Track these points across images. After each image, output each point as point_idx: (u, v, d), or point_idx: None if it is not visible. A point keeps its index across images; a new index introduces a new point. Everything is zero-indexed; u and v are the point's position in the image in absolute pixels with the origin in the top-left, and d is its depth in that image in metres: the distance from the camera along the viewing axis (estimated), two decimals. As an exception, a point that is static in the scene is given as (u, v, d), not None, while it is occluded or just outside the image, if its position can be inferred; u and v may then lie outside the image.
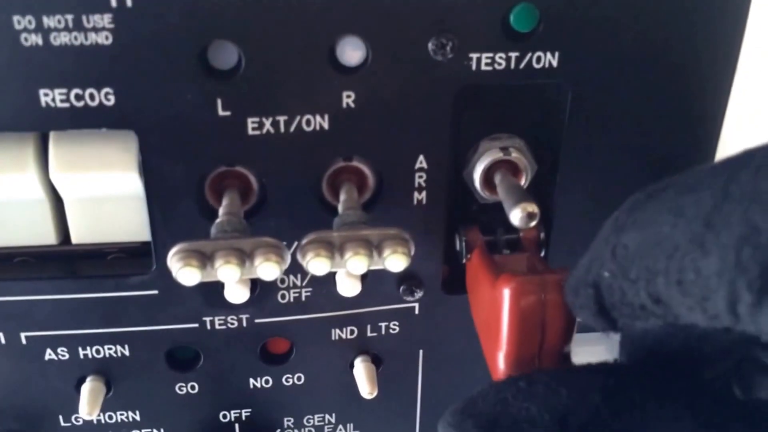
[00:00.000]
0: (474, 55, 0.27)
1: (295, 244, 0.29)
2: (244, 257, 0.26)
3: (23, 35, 0.24)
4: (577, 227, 0.31)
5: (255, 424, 0.35)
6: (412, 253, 0.27)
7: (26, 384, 0.32)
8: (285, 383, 0.34)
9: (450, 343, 0.34)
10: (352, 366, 0.34)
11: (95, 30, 0.24)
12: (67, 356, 0.31)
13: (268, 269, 0.26)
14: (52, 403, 0.33)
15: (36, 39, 0.24)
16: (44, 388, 0.32)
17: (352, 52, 0.27)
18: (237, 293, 0.28)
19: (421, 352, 0.34)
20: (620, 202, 0.31)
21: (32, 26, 0.24)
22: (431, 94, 0.28)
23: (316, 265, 0.26)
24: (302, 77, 0.27)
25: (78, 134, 0.27)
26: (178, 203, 0.28)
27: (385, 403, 0.36)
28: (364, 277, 0.31)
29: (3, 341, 0.30)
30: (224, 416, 0.35)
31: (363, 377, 0.33)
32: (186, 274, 0.26)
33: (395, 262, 0.27)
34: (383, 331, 0.33)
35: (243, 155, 0.28)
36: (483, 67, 0.28)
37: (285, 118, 0.27)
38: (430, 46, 0.27)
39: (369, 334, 0.33)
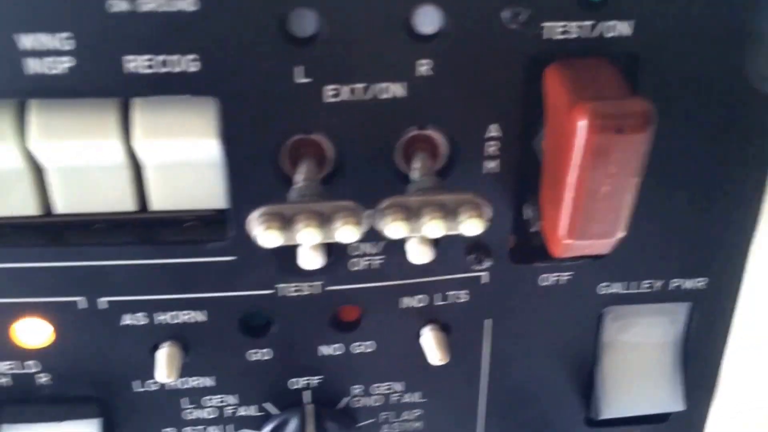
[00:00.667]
0: (547, 24, 0.28)
1: (367, 210, 0.29)
2: (323, 221, 0.26)
3: (109, 2, 0.25)
4: (641, 197, 0.31)
5: (324, 392, 0.36)
6: (488, 217, 0.27)
7: (102, 349, 0.33)
8: (354, 351, 0.34)
9: (517, 312, 0.35)
10: (419, 335, 0.34)
11: (181, -4, 0.25)
12: (144, 321, 0.32)
13: (346, 232, 0.27)
14: (127, 369, 0.34)
15: (122, 5, 0.25)
16: (120, 353, 0.33)
17: (428, 20, 0.27)
18: (312, 259, 0.29)
19: (488, 321, 0.35)
20: (683, 174, 0.31)
21: (120, -7, 0.25)
22: (504, 63, 0.28)
23: (394, 229, 0.27)
24: (379, 45, 0.27)
25: (159, 101, 0.28)
26: (255, 170, 0.29)
27: (450, 373, 0.36)
28: (435, 245, 0.31)
29: (82, 306, 0.31)
30: (294, 383, 0.35)
31: (433, 344, 0.33)
32: (267, 236, 0.26)
33: (471, 226, 0.27)
34: (451, 300, 0.34)
35: (319, 122, 0.28)
36: (556, 36, 0.28)
37: (362, 85, 0.28)
38: (504, 15, 0.27)
39: (437, 302, 0.34)
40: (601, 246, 0.29)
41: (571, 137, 0.25)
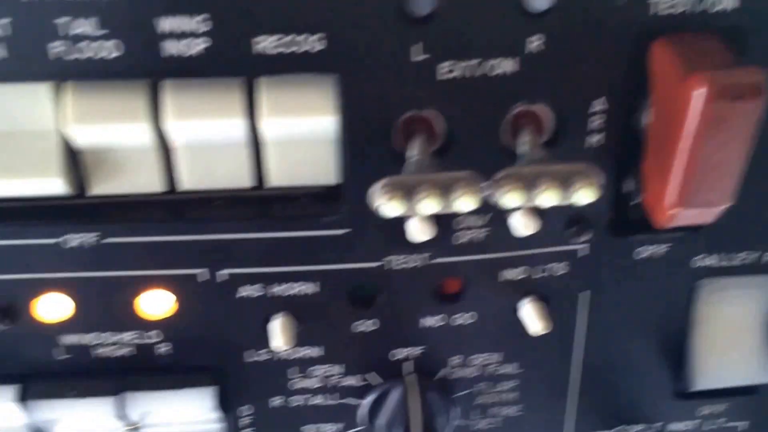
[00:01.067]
0: (654, 0, 0.28)
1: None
2: (442, 191, 0.28)
3: (247, -15, 0.26)
4: (748, 174, 0.31)
5: (424, 362, 0.37)
6: (600, 186, 0.28)
7: (219, 320, 0.34)
8: (455, 323, 0.36)
9: (613, 284, 0.35)
10: (517, 307, 0.36)
11: (313, -21, 0.26)
12: (259, 293, 0.34)
13: (465, 202, 0.28)
14: (241, 339, 0.35)
15: (262, -13, 0.26)
16: (235, 324, 0.35)
17: (541, -3, 0.28)
18: (424, 230, 0.30)
19: (584, 294, 0.36)
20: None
21: (256, -24, 0.26)
22: (612, 39, 0.29)
23: (510, 198, 0.28)
24: (493, 22, 0.28)
25: (281, 79, 0.29)
26: (370, 146, 0.30)
27: (546, 345, 0.37)
28: (538, 218, 0.32)
29: (203, 278, 0.33)
30: (396, 354, 0.37)
31: (534, 314, 0.34)
32: (390, 206, 0.28)
33: (585, 195, 0.28)
34: (550, 273, 0.35)
35: (433, 98, 0.30)
36: (662, 12, 0.29)
37: (475, 62, 0.29)
38: (614, -11, 0.28)
39: (536, 275, 0.35)
40: (707, 215, 0.29)
41: (684, 107, 0.26)
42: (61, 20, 0.26)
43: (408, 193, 0.28)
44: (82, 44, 0.27)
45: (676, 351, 0.39)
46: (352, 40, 0.28)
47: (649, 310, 0.37)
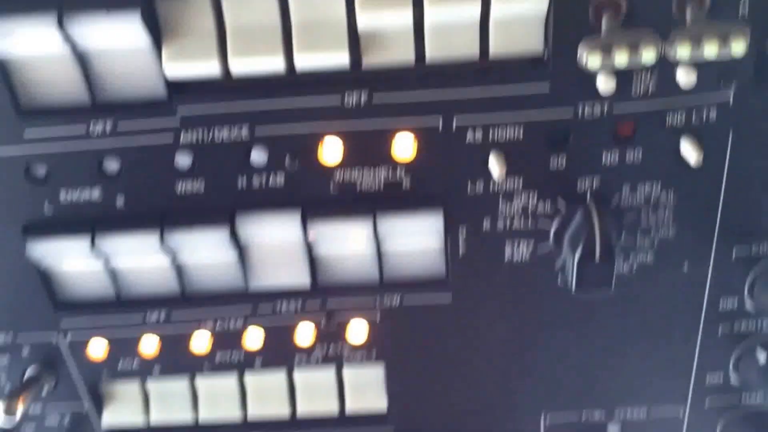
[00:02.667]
0: None
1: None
2: (631, 46, 0.38)
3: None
4: None
5: (602, 192, 0.47)
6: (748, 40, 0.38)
7: (449, 160, 0.46)
8: (627, 160, 0.46)
9: (758, 124, 0.45)
10: (679, 144, 0.46)
11: None
12: (481, 139, 0.45)
13: (649, 54, 0.38)
14: (464, 174, 0.47)
15: None
16: (461, 163, 0.46)
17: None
18: (608, 83, 0.41)
19: (732, 132, 0.45)
20: None
21: None
22: None
23: (682, 51, 0.38)
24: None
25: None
26: (572, 22, 0.41)
27: (701, 175, 0.47)
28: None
29: (441, 127, 0.44)
30: (581, 185, 0.47)
31: (691, 149, 0.44)
32: (593, 58, 0.38)
33: (738, 48, 0.38)
34: (705, 115, 0.45)
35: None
36: None
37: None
38: None
39: (694, 117, 0.45)
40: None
41: None
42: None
43: (606, 47, 0.38)
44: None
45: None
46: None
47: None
